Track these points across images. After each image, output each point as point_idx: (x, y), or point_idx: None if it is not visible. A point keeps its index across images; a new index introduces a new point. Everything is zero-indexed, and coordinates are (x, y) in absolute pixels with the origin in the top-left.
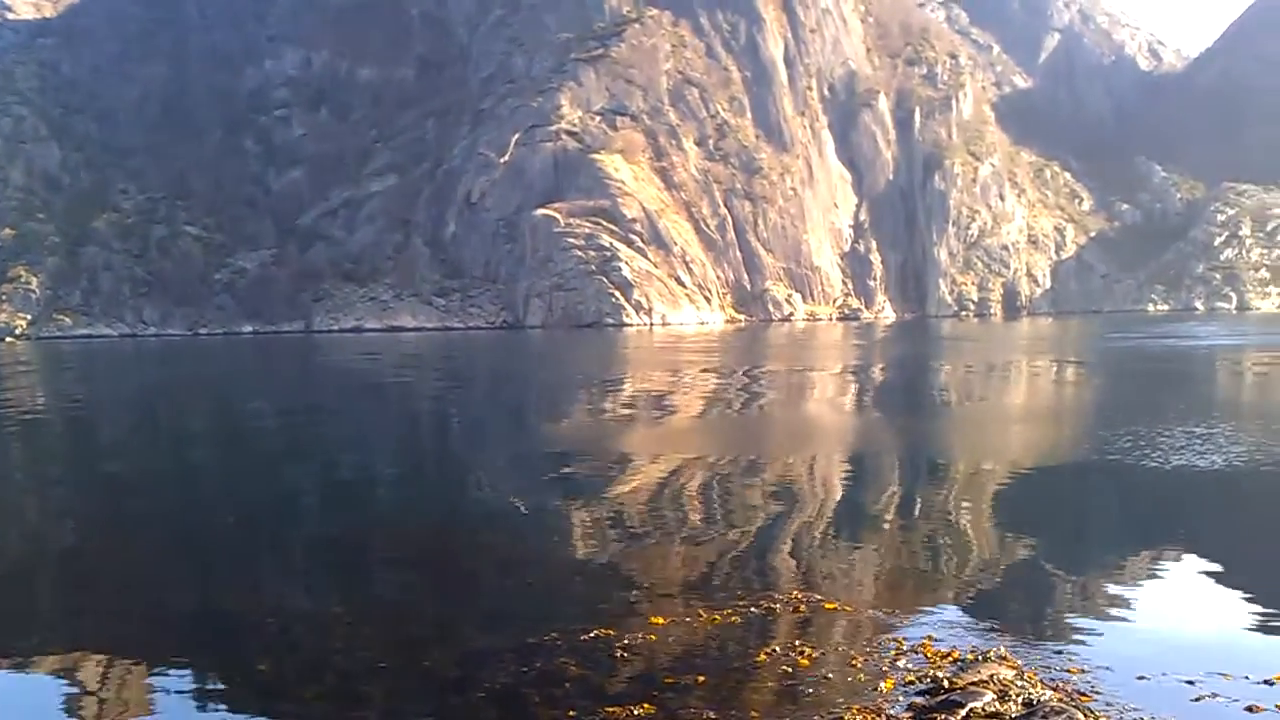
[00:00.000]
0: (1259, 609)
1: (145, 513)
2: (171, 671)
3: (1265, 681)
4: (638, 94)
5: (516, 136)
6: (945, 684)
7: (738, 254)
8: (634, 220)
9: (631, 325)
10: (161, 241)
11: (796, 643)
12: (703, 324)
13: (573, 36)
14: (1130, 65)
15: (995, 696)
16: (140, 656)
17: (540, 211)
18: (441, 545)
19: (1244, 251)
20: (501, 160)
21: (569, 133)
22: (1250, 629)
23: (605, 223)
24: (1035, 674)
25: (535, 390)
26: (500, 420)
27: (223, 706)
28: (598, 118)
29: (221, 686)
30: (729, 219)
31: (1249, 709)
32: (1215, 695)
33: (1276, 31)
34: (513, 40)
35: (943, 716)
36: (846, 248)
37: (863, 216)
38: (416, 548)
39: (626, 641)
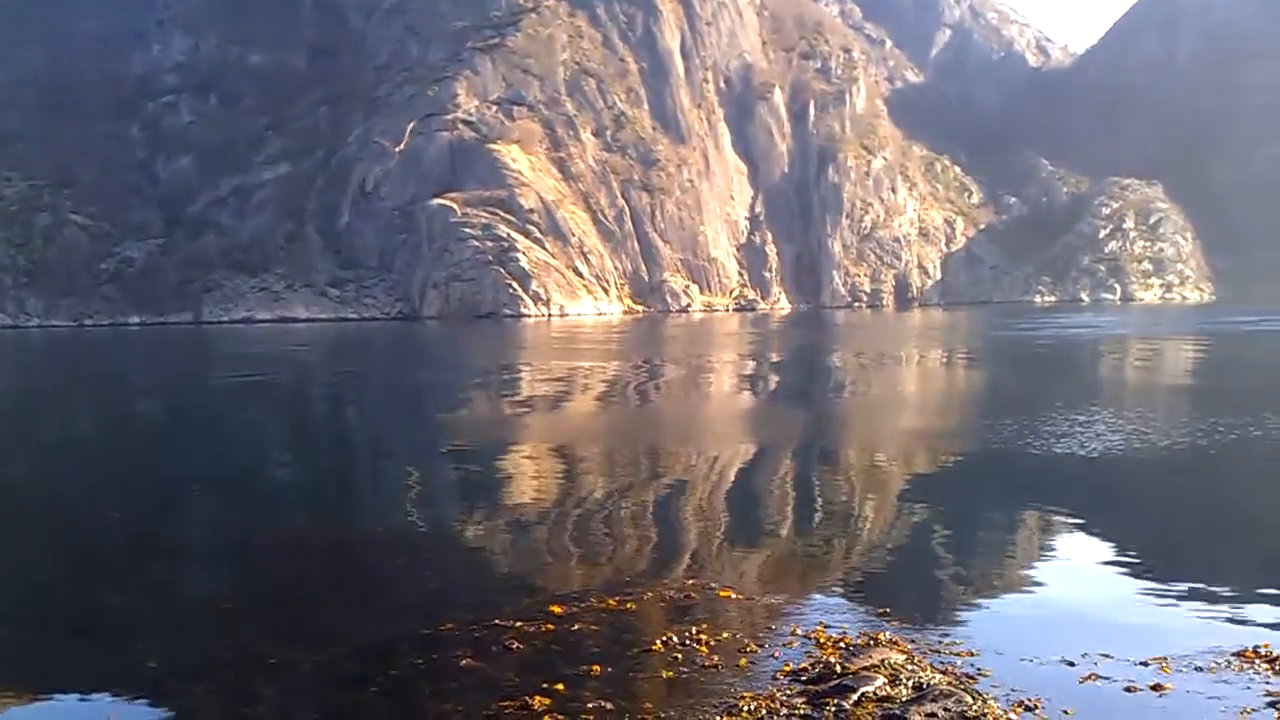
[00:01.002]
0: (1139, 591)
1: (24, 512)
2: (57, 672)
3: (1143, 662)
4: (535, 84)
5: (412, 125)
6: (837, 669)
7: (635, 245)
8: (531, 211)
9: (529, 316)
10: (45, 230)
11: (692, 631)
12: (601, 315)
13: (469, 25)
14: (1019, 61)
15: (886, 680)
16: (24, 657)
17: (436, 201)
18: (334, 539)
19: (1128, 244)
20: (396, 149)
21: (465, 122)
22: (1131, 610)
23: (502, 213)
24: (925, 658)
25: (431, 382)
26: (396, 412)
27: (110, 705)
28: (494, 107)
29: (109, 685)
30: (627, 210)
31: (1127, 689)
32: (1097, 675)
33: (1158, 31)
34: (408, 28)
35: (835, 701)
36: (743, 239)
37: (759, 208)
38: (309, 542)
39: (523, 632)
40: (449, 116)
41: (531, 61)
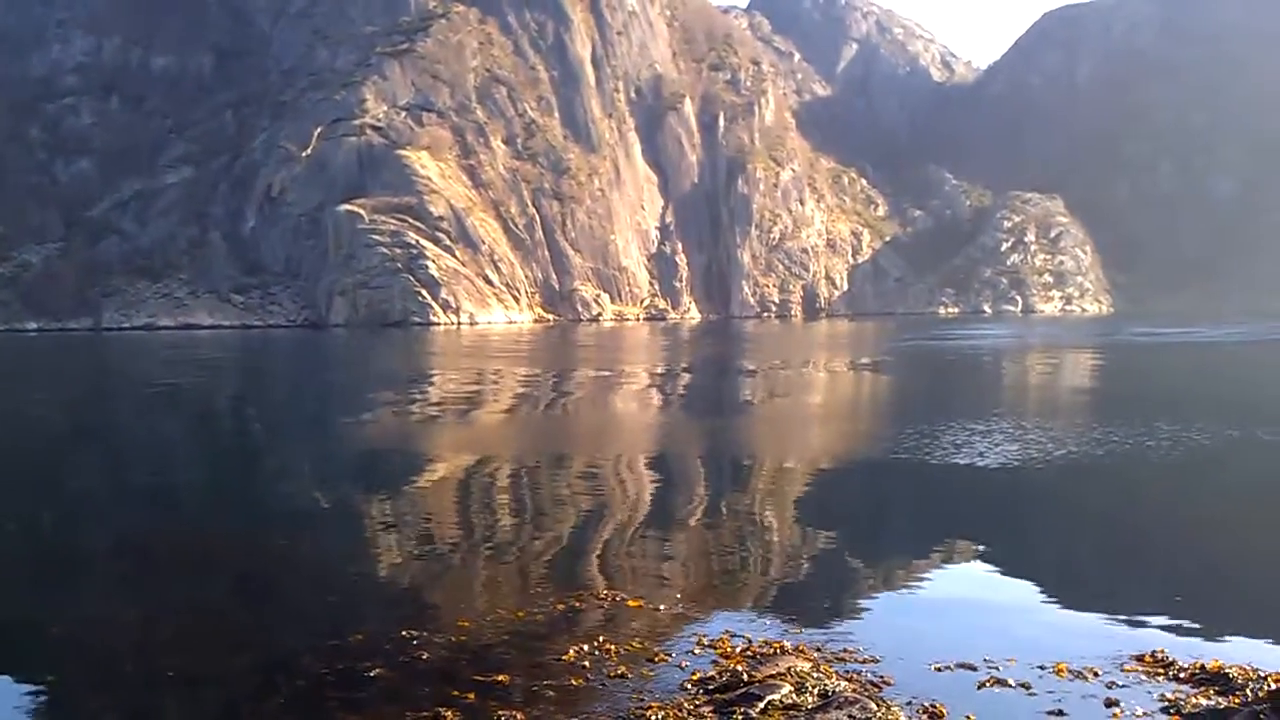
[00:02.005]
0: (1038, 598)
1: None
2: None
3: (1041, 667)
4: (445, 90)
5: (319, 130)
6: (744, 677)
7: (546, 253)
8: (441, 218)
9: (439, 324)
10: None
11: (600, 640)
12: (511, 323)
13: (378, 30)
14: (924, 76)
15: (792, 689)
16: None
17: (344, 207)
18: (240, 549)
19: (1029, 257)
20: (304, 154)
21: (374, 127)
22: (1030, 617)
23: (411, 220)
24: (830, 665)
25: (339, 390)
26: (302, 421)
27: None
28: (403, 113)
29: (3, 699)
30: (537, 218)
31: (1027, 693)
32: (997, 680)
33: (1058, 47)
34: (316, 32)
35: (741, 710)
36: (653, 249)
37: (669, 218)
38: (213, 552)
39: (431, 642)
40: (357, 122)
41: (441, 68)
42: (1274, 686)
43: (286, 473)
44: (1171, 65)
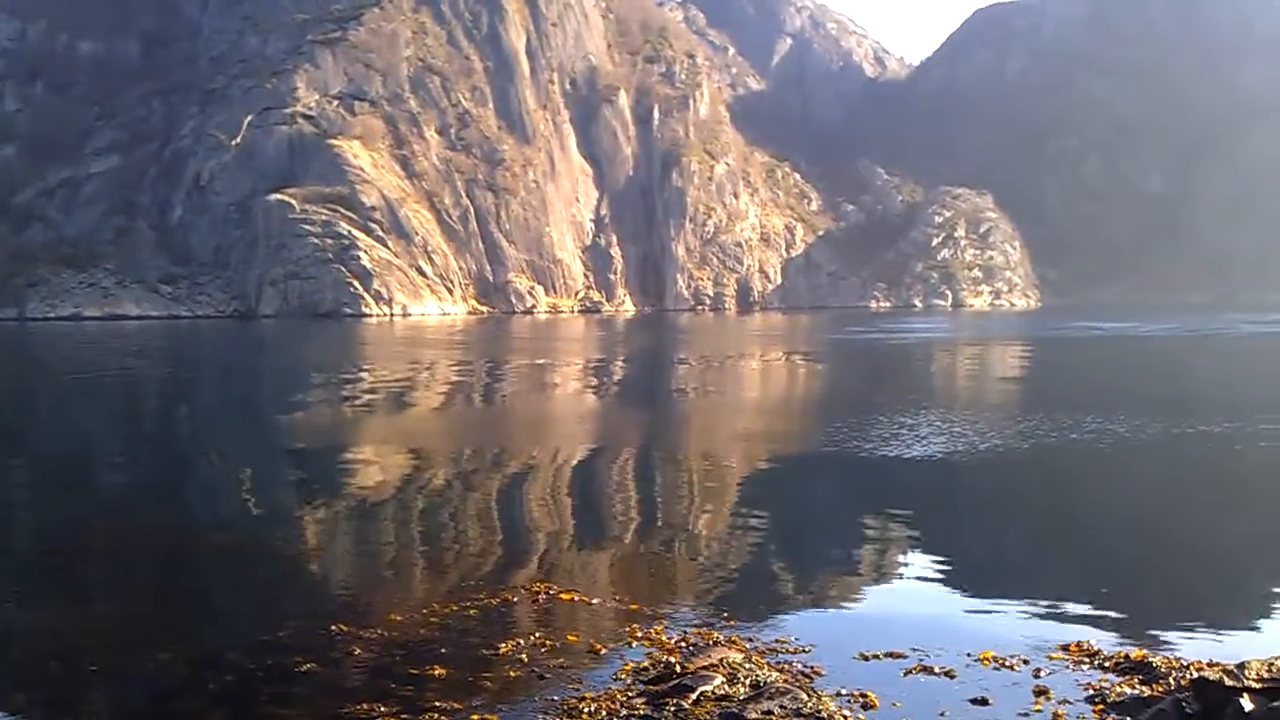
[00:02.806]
0: (966, 587)
1: None
2: None
3: (969, 654)
4: (377, 79)
5: (249, 119)
6: (677, 669)
7: (480, 245)
8: (373, 208)
9: (371, 316)
10: None
11: (534, 634)
12: (445, 315)
13: (309, 18)
14: (857, 72)
15: (724, 679)
16: None
17: (274, 196)
18: (167, 544)
19: (959, 252)
20: (233, 143)
21: (305, 116)
22: (958, 606)
23: (343, 210)
24: (762, 656)
25: (269, 382)
26: (232, 414)
27: None
28: (335, 102)
29: None
30: (471, 210)
31: (954, 682)
32: (924, 669)
33: (989, 44)
34: (246, 19)
35: (674, 701)
36: (588, 241)
37: (604, 211)
38: (139, 547)
39: (363, 637)
40: (288, 110)
41: (374, 57)
42: (1196, 675)
43: (215, 466)
44: (1100, 62)
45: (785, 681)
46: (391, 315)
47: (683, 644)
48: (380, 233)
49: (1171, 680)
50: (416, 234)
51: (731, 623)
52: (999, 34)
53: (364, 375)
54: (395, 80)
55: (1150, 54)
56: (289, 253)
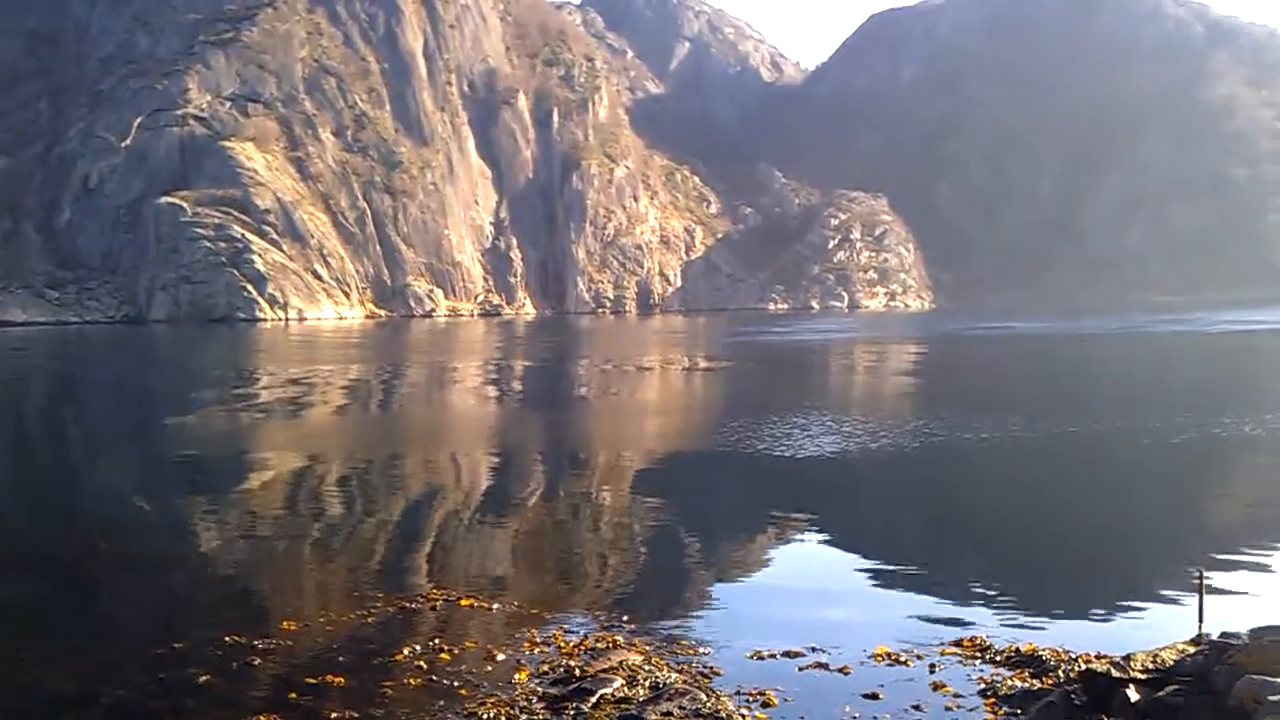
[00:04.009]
0: (862, 585)
1: None
2: None
3: (862, 650)
4: (271, 80)
5: (139, 120)
6: (576, 672)
7: (378, 248)
8: (268, 211)
9: (265, 321)
10: None
11: (435, 640)
12: (342, 320)
13: (201, 18)
14: (754, 76)
15: (624, 682)
16: None
17: (165, 199)
18: (57, 555)
19: (854, 254)
20: (123, 144)
21: (197, 118)
22: (853, 603)
23: (236, 213)
24: (662, 658)
25: (161, 389)
26: (122, 422)
27: None
28: (228, 103)
29: None
30: (368, 212)
31: (849, 678)
32: (820, 665)
33: (882, 49)
34: (136, 19)
35: (574, 705)
36: (488, 244)
37: (503, 214)
38: (28, 559)
39: (259, 647)
40: (179, 112)
41: (268, 58)
42: (1084, 667)
43: (106, 476)
44: (993, 67)
45: (685, 682)
46: (286, 320)
47: (582, 647)
48: (275, 236)
49: (1061, 673)
50: (312, 237)
51: (631, 625)
52: (894, 39)
53: (258, 381)
54: (290, 81)
55: (1043, 60)
56: (180, 256)
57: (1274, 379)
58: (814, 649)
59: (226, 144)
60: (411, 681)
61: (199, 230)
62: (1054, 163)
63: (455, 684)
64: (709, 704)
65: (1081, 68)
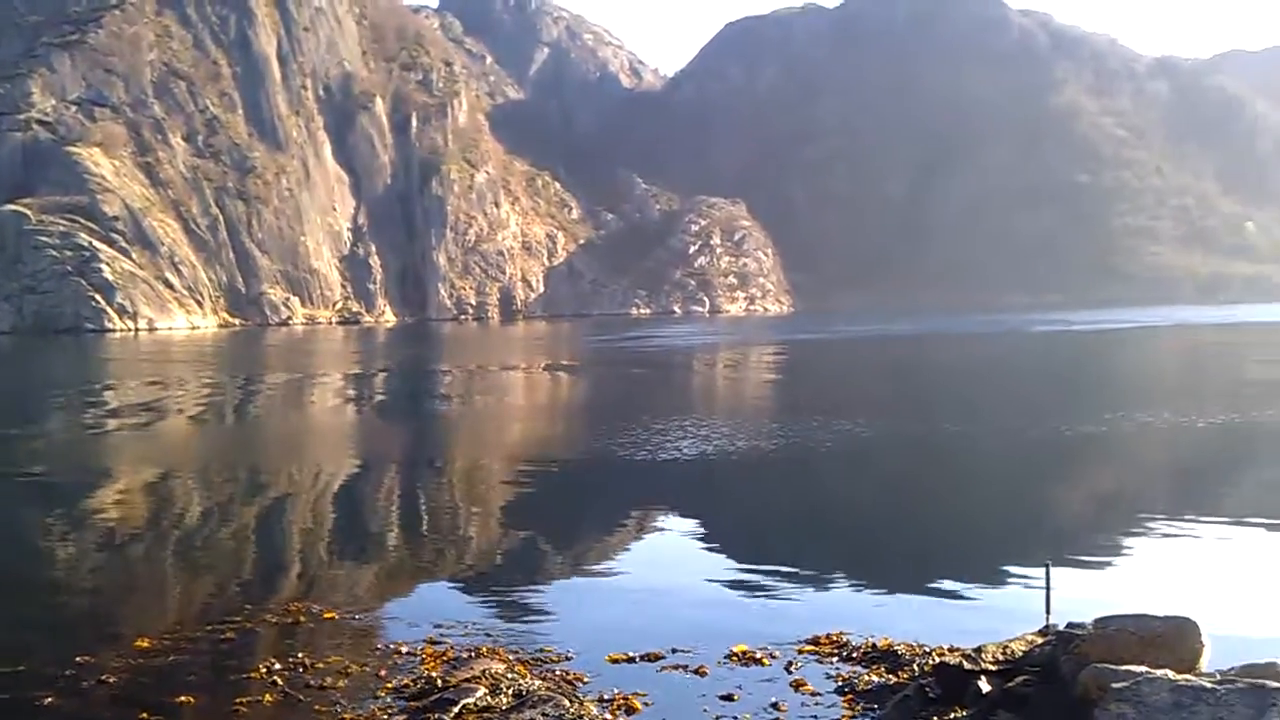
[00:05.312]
0: (722, 586)
1: None
2: None
3: (722, 650)
4: (119, 84)
5: None
6: (439, 683)
7: (231, 256)
8: (116, 218)
9: (115, 331)
10: None
11: (292, 655)
12: (195, 329)
13: (44, 20)
14: (614, 82)
15: (487, 691)
16: None
17: (8, 207)
18: None
19: (715, 259)
20: None
21: (41, 122)
22: (714, 605)
23: (83, 220)
24: (525, 666)
25: (2, 403)
26: None
27: None
28: (74, 108)
29: None
30: (221, 219)
31: (708, 679)
32: (678, 666)
33: (738, 58)
34: None
35: (436, 715)
36: (346, 251)
37: (362, 220)
38: None
39: (110, 665)
40: (22, 116)
41: (115, 60)
42: (938, 660)
43: None
44: (847, 74)
45: (547, 689)
46: (136, 330)
47: (446, 657)
48: (123, 244)
49: (915, 667)
50: (162, 245)
51: (496, 633)
52: (750, 46)
53: (107, 395)
54: (138, 85)
55: (893, 67)
56: (25, 266)
57: (1108, 379)
58: (675, 650)
59: (72, 149)
60: (267, 698)
61: (44, 238)
62: (905, 168)
63: (312, 699)
64: (572, 710)
65: (930, 75)
